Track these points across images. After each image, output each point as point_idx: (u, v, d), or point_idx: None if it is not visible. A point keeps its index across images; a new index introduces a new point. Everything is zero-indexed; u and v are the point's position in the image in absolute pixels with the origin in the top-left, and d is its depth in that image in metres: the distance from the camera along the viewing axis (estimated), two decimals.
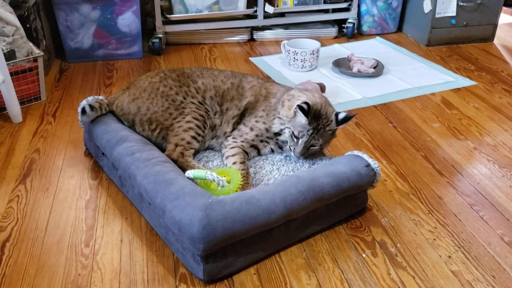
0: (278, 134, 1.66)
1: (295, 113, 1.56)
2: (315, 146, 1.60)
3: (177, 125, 1.64)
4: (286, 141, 1.65)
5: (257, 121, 1.68)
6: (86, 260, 1.36)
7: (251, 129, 1.68)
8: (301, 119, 1.55)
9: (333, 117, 1.59)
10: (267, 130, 1.67)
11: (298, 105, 1.53)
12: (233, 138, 1.68)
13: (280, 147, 1.71)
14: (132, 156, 1.46)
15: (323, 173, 1.42)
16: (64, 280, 1.29)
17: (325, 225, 1.48)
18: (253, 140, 1.67)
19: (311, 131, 1.56)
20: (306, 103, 1.53)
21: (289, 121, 1.59)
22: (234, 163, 1.59)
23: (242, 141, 1.66)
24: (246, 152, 1.66)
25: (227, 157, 1.63)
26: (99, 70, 2.64)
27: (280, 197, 1.31)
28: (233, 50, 2.98)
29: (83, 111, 1.67)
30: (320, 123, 1.57)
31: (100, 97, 1.77)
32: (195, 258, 1.25)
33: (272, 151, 1.71)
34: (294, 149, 1.59)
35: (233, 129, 1.72)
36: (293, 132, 1.58)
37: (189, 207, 1.23)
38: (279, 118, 1.63)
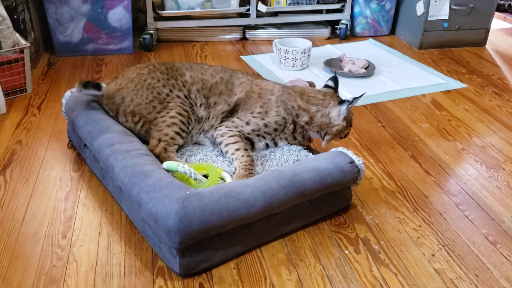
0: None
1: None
2: None
3: (160, 120, 1.61)
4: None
5: (254, 117, 1.65)
6: (62, 252, 1.33)
7: (247, 123, 1.65)
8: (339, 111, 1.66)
9: None
10: (265, 125, 1.65)
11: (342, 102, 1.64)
12: (227, 127, 1.65)
13: (276, 144, 1.69)
14: (112, 148, 1.43)
15: (305, 168, 1.40)
16: (38, 271, 1.26)
17: (308, 221, 1.45)
18: (248, 134, 1.64)
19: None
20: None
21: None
22: (237, 149, 1.56)
23: (238, 131, 1.64)
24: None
25: (226, 145, 1.59)
26: (88, 65, 2.61)
27: (261, 191, 1.28)
28: (225, 48, 2.96)
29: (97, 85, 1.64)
30: None
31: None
32: (172, 251, 1.22)
33: (267, 146, 1.68)
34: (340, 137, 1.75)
35: (222, 122, 1.70)
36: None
37: (166, 199, 1.20)
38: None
